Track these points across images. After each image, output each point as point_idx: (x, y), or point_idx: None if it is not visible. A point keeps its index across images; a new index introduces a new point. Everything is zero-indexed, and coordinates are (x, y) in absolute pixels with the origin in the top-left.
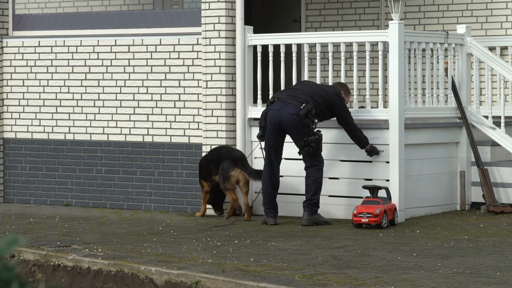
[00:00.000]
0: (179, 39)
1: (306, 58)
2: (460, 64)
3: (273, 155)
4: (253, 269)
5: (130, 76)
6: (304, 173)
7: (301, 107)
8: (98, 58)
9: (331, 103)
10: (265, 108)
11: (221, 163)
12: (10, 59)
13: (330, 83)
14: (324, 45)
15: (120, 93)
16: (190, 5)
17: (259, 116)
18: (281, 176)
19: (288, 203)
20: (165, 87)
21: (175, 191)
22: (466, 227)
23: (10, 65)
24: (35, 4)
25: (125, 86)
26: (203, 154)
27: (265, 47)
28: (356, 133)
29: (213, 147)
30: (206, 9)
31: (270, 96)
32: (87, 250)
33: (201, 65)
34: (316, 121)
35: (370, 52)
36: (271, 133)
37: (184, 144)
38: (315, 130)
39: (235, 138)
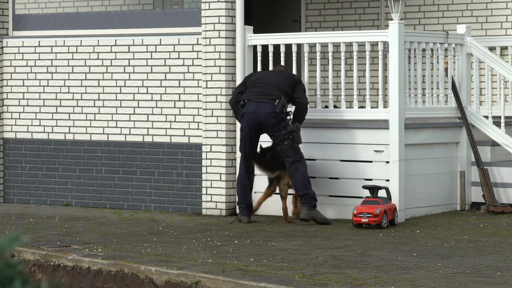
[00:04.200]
0: (179, 39)
1: (306, 58)
2: (460, 64)
3: (249, 156)
4: (253, 269)
5: (130, 76)
6: None
7: (275, 103)
8: (98, 58)
9: (295, 85)
10: (232, 110)
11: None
12: (10, 59)
13: (330, 83)
14: (324, 45)
15: (120, 93)
16: (190, 5)
17: None
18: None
19: (289, 203)
20: (165, 87)
21: (175, 191)
22: (466, 227)
23: (10, 65)
24: (35, 4)
25: (125, 86)
26: (203, 154)
27: (265, 47)
28: (304, 112)
29: (213, 147)
30: (206, 9)
31: (241, 98)
32: (87, 250)
33: (201, 65)
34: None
35: (370, 52)
36: (248, 135)
37: (184, 144)
38: (290, 123)
39: (235, 138)
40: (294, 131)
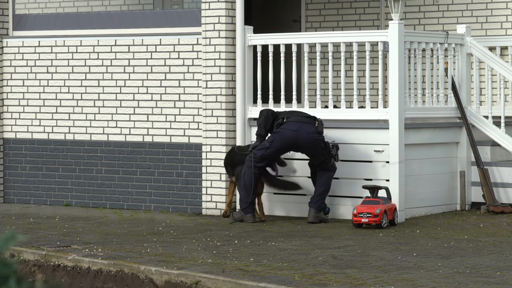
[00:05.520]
0: (179, 39)
1: (306, 58)
2: (460, 64)
3: (265, 165)
4: (253, 269)
5: (130, 76)
6: (304, 173)
7: (316, 124)
8: (98, 58)
9: None
10: (263, 116)
11: (238, 165)
12: (10, 59)
13: (330, 83)
14: (324, 45)
15: (120, 93)
16: (190, 5)
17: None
18: (281, 176)
19: (289, 203)
20: (165, 87)
21: (175, 191)
22: (466, 227)
23: (10, 65)
24: (35, 4)
25: (125, 86)
26: (203, 154)
27: (265, 47)
28: None
29: (213, 147)
30: (206, 9)
31: (279, 116)
32: (87, 250)
33: (201, 65)
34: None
35: (370, 52)
36: (279, 149)
37: (184, 144)
38: (330, 144)
39: (235, 138)
40: (338, 150)
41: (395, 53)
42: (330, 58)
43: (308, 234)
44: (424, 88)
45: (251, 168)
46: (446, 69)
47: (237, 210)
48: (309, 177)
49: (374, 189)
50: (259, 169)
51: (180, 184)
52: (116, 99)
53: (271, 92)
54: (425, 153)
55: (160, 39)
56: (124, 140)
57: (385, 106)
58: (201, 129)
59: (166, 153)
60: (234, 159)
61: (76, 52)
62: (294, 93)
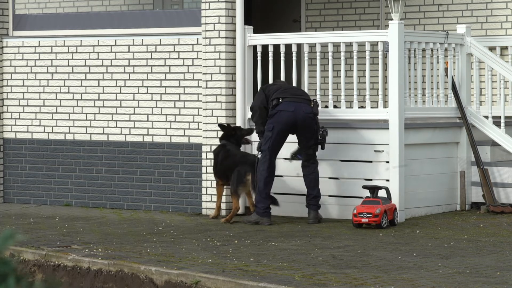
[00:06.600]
0: (179, 39)
1: (306, 58)
2: (460, 64)
3: (274, 156)
4: (253, 269)
5: (130, 76)
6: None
7: (311, 105)
8: (98, 58)
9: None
10: (257, 113)
11: (236, 166)
12: (10, 59)
13: (330, 83)
14: (324, 45)
15: (120, 93)
16: (190, 5)
17: None
18: (281, 176)
19: (289, 203)
20: (165, 87)
21: (175, 191)
22: (466, 227)
23: (10, 65)
24: (35, 4)
25: (125, 86)
26: (203, 154)
27: (265, 47)
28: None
29: (213, 147)
30: (206, 9)
31: (272, 97)
32: (87, 250)
33: (201, 65)
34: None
35: (370, 52)
36: (281, 134)
37: (184, 144)
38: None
39: None
40: (326, 136)
41: (395, 53)
42: (330, 58)
43: (308, 234)
44: (424, 88)
45: (261, 165)
46: (446, 69)
47: (247, 214)
48: (300, 176)
49: (374, 189)
50: (271, 163)
51: (180, 184)
52: (116, 99)
53: None
54: (425, 153)
55: (160, 39)
56: (124, 140)
57: (385, 106)
58: (201, 129)
59: (166, 153)
60: (234, 162)
61: (76, 52)
62: None
